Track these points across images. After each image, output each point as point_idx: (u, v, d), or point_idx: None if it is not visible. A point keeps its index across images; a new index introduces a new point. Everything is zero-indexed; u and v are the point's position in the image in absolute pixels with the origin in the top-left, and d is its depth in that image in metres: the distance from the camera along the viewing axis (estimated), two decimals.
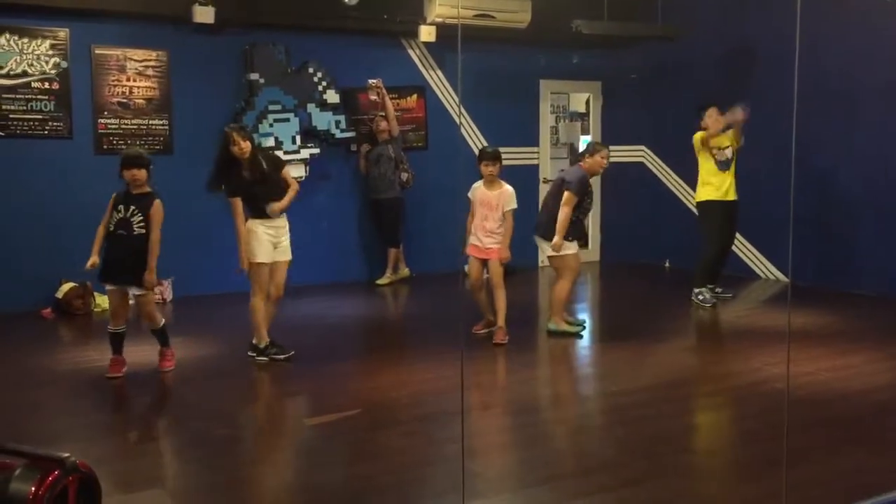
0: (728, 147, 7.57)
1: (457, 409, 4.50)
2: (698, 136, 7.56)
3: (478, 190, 6.56)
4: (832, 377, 5.44)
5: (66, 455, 2.33)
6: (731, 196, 7.59)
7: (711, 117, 7.51)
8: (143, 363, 5.80)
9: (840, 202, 8.21)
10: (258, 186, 5.85)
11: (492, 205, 6.48)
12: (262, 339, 5.95)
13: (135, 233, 5.45)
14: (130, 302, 5.66)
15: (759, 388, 5.31)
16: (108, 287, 5.58)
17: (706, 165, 7.58)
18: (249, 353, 5.98)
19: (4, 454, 2.42)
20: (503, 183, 6.57)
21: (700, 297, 7.64)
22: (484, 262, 6.58)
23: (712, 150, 7.53)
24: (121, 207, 5.49)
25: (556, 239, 6.53)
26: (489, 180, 6.51)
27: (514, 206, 6.52)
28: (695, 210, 9.20)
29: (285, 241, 6.00)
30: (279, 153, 7.93)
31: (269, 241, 5.89)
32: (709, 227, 7.64)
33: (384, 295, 8.73)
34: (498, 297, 6.55)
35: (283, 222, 5.98)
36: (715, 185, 7.55)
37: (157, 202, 5.52)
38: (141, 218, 5.46)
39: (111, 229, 5.48)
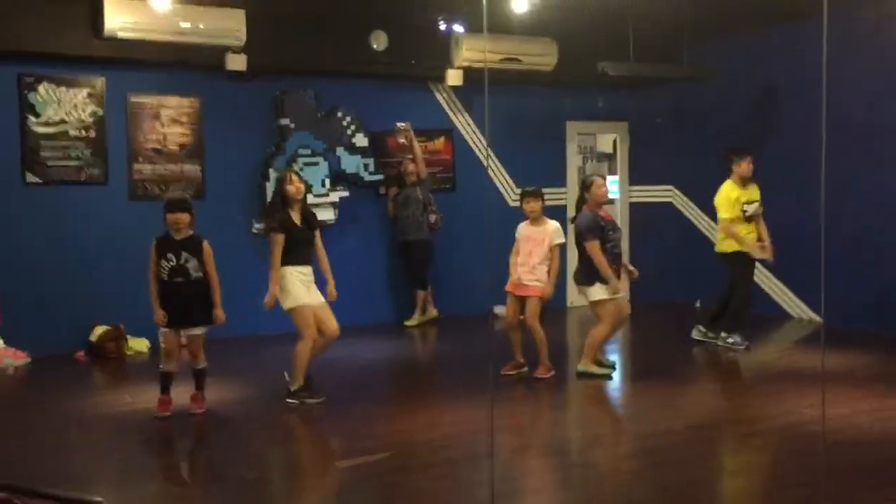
0: (756, 202, 7.48)
1: (487, 451, 4.48)
2: (729, 192, 7.45)
3: (523, 227, 6.65)
4: (869, 420, 5.33)
5: (98, 499, 2.34)
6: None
7: (747, 164, 7.43)
8: (175, 406, 5.82)
9: (872, 243, 8.11)
10: (299, 232, 5.97)
11: (538, 240, 6.55)
12: (297, 381, 5.97)
13: (193, 278, 5.56)
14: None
15: (794, 430, 5.22)
16: (165, 330, 5.64)
17: (737, 220, 7.44)
18: (288, 400, 5.96)
19: (36, 498, 2.44)
20: (547, 219, 6.65)
21: (730, 341, 7.53)
22: (521, 301, 6.60)
23: (742, 204, 7.42)
24: (170, 256, 5.54)
25: (611, 283, 6.47)
26: (534, 217, 6.58)
27: (562, 240, 6.61)
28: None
29: (314, 284, 6.08)
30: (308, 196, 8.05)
31: (305, 287, 5.97)
32: (740, 277, 7.53)
33: (412, 336, 8.73)
34: (536, 334, 6.56)
35: (310, 269, 6.07)
36: (747, 234, 7.46)
37: (206, 244, 5.64)
38: (196, 262, 5.57)
39: (165, 279, 5.54)
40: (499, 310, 9.28)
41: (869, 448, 4.82)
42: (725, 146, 7.86)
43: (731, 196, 7.44)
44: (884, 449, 4.82)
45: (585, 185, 6.70)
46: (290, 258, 5.93)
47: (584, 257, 6.61)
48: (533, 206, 6.57)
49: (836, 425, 5.12)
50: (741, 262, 7.48)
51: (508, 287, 6.65)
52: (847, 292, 7.94)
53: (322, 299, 6.05)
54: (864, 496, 4.14)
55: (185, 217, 5.57)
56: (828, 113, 3.75)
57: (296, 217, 5.99)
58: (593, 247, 6.46)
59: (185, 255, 5.55)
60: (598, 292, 6.54)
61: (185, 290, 5.54)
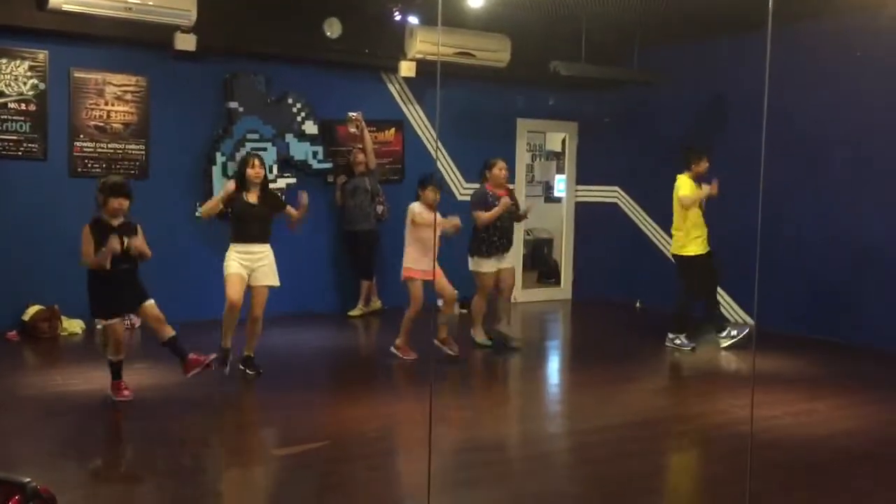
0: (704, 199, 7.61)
1: (424, 443, 4.49)
2: (690, 184, 7.53)
3: (424, 213, 6.81)
4: (797, 422, 5.50)
5: (28, 480, 2.30)
6: (708, 247, 7.61)
7: (706, 164, 7.51)
8: (105, 389, 5.70)
9: (808, 250, 8.35)
10: (247, 208, 6.17)
11: (438, 226, 6.81)
12: (223, 342, 6.23)
13: (135, 262, 5.51)
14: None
15: (724, 430, 5.35)
16: (113, 321, 5.50)
17: (692, 217, 7.51)
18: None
19: None
20: None
21: (678, 342, 7.63)
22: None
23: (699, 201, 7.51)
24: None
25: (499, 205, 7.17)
26: (433, 205, 6.82)
27: None
28: (666, 251, 9.28)
29: (264, 266, 6.23)
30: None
31: (242, 266, 6.17)
32: (686, 278, 7.65)
33: (356, 327, 8.71)
34: (452, 311, 6.94)
35: (259, 248, 6.22)
36: (702, 237, 7.53)
37: (140, 227, 5.58)
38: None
39: (108, 267, 5.35)
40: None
41: (793, 449, 4.96)
42: (681, 144, 7.92)
43: (693, 186, 7.53)
44: (806, 451, 4.96)
45: (487, 166, 7.38)
46: (233, 235, 6.23)
47: (473, 230, 7.25)
48: (437, 196, 6.86)
49: (764, 426, 5.27)
50: (688, 265, 7.60)
51: (417, 274, 6.80)
52: (779, 296, 8.17)
53: (266, 282, 6.25)
54: (786, 496, 4.27)
55: (127, 203, 5.48)
56: (770, 123, 3.86)
57: (250, 197, 6.20)
58: (476, 216, 7.18)
59: (126, 241, 5.42)
60: (474, 264, 7.26)
61: (129, 276, 5.47)
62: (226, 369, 6.17)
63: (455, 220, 6.87)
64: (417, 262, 6.78)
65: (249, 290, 6.23)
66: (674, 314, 7.74)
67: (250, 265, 6.17)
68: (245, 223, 6.17)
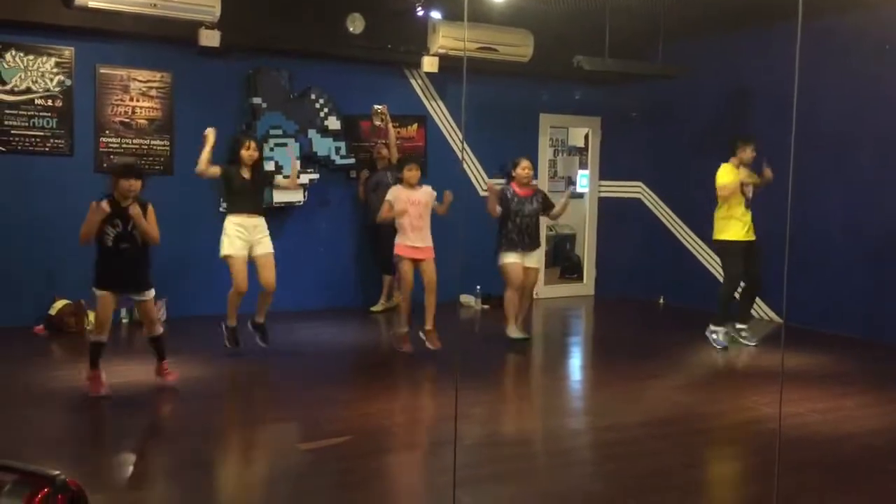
0: (750, 185, 7.45)
1: (449, 438, 4.49)
2: (731, 172, 7.41)
3: (402, 193, 6.95)
4: (824, 419, 5.44)
5: (57, 473, 2.31)
6: (752, 236, 7.47)
7: (751, 151, 7.38)
8: (134, 382, 5.77)
9: (834, 246, 8.26)
10: (247, 184, 6.55)
11: (422, 202, 6.96)
12: (228, 320, 6.66)
13: (139, 243, 5.51)
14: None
15: (749, 427, 5.31)
16: (101, 293, 5.49)
17: (732, 202, 7.38)
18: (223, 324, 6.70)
19: None
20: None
21: (713, 337, 7.52)
22: (416, 264, 6.97)
23: (742, 185, 7.36)
24: (117, 222, 5.43)
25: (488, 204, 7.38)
26: (413, 183, 6.98)
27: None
28: (690, 247, 9.22)
29: (261, 237, 6.58)
30: (278, 177, 8.06)
31: (240, 239, 6.49)
32: (725, 266, 7.57)
33: (378, 322, 8.72)
34: (433, 299, 6.98)
35: (256, 221, 6.57)
36: (743, 223, 7.40)
37: (151, 206, 5.58)
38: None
39: (110, 245, 5.44)
40: (465, 298, 9.34)
41: (821, 447, 4.91)
42: (730, 136, 7.79)
43: (733, 173, 7.39)
44: (835, 448, 4.92)
45: (513, 164, 7.52)
46: (229, 207, 6.65)
47: (498, 226, 7.36)
48: (416, 172, 7.01)
49: (791, 423, 5.22)
50: (726, 250, 7.52)
51: (405, 252, 6.93)
52: (806, 293, 8.08)
53: (267, 250, 6.60)
54: (817, 495, 4.23)
55: (138, 184, 5.49)
56: (798, 118, 3.80)
57: (244, 172, 6.56)
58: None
59: (132, 222, 5.46)
60: (499, 258, 7.35)
61: (130, 255, 5.49)
62: (238, 346, 6.58)
63: (446, 196, 7.03)
64: (403, 238, 6.95)
65: (252, 261, 6.56)
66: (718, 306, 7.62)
67: (249, 237, 6.50)
68: (239, 195, 6.52)
